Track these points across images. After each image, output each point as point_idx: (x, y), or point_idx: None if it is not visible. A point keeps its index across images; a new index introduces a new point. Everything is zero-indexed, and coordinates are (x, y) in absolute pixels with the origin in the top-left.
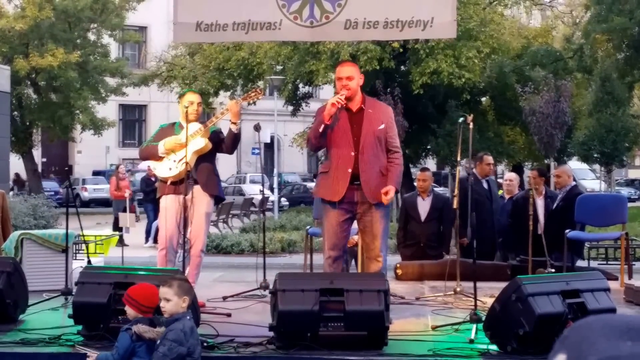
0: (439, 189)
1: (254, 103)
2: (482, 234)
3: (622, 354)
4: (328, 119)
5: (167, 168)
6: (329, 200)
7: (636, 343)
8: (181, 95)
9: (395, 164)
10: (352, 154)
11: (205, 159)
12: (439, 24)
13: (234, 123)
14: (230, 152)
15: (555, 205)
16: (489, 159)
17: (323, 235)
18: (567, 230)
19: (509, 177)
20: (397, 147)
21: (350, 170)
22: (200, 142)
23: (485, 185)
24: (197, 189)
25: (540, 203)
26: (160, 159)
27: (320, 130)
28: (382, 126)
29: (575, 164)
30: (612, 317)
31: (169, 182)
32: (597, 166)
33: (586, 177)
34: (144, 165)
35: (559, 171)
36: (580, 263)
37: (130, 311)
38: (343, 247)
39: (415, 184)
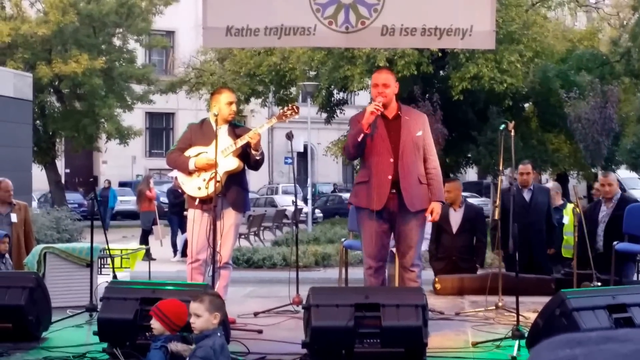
0: (480, 200)
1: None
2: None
3: (559, 357)
4: (367, 127)
5: (195, 187)
6: (368, 209)
7: (574, 349)
8: (215, 92)
9: (435, 174)
10: (391, 160)
11: (235, 174)
12: (478, 33)
13: (256, 150)
14: (255, 170)
15: (610, 216)
16: (524, 167)
17: (362, 246)
18: (615, 242)
19: (549, 187)
20: (435, 155)
21: (390, 178)
22: (233, 163)
23: (527, 194)
24: (225, 202)
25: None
26: (189, 173)
27: (360, 139)
28: (420, 133)
29: (623, 173)
30: (561, 335)
31: (197, 201)
32: None
33: (636, 186)
34: (172, 173)
35: (610, 179)
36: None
37: (157, 325)
38: (384, 258)
39: None
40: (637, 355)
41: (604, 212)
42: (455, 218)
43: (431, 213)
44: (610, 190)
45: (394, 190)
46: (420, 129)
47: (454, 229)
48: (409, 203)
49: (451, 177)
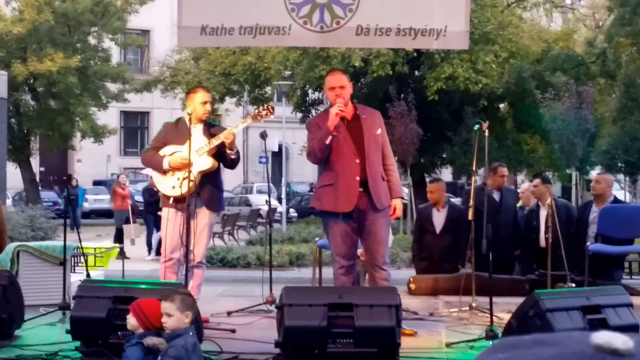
0: (455, 200)
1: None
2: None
3: None
4: (334, 129)
5: (170, 186)
6: (335, 213)
7: (505, 353)
8: (190, 92)
9: (393, 170)
10: (357, 161)
11: (210, 173)
12: (452, 33)
13: (231, 149)
14: (231, 169)
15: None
16: (504, 170)
17: (331, 247)
18: (588, 243)
19: (523, 187)
20: (391, 152)
21: (358, 179)
22: (207, 163)
23: (496, 196)
24: (199, 202)
25: (543, 214)
26: (163, 172)
27: (328, 142)
28: (379, 131)
29: None
30: (503, 339)
31: (171, 200)
32: (621, 176)
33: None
34: (146, 172)
35: (603, 178)
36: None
37: (132, 322)
38: (354, 256)
39: None
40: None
41: (595, 213)
42: (439, 218)
43: (394, 211)
44: (597, 188)
45: (361, 189)
46: (379, 127)
47: (437, 229)
48: (377, 201)
49: (433, 177)
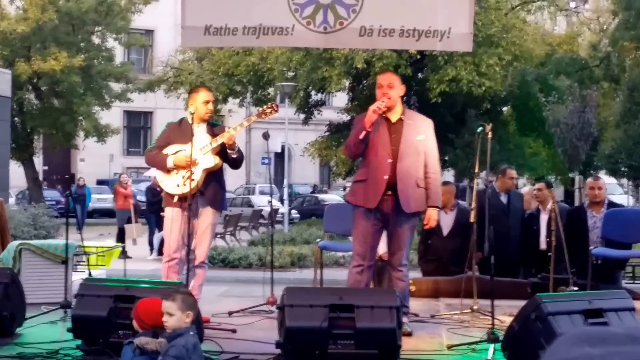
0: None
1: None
2: (497, 249)
3: (576, 356)
4: (369, 125)
5: (174, 184)
6: (364, 208)
7: (594, 347)
8: (192, 91)
9: (434, 179)
10: (389, 161)
11: (214, 172)
12: (456, 35)
13: (231, 149)
14: (235, 169)
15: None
16: (512, 172)
17: (353, 244)
18: (591, 247)
19: (524, 191)
20: (435, 160)
21: (386, 178)
22: (211, 161)
23: (504, 198)
24: (203, 201)
25: (544, 218)
26: (167, 171)
27: (361, 137)
28: (422, 137)
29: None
30: (583, 330)
31: (175, 199)
32: (624, 180)
33: (614, 192)
34: (150, 172)
35: (600, 183)
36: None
37: (135, 324)
38: (374, 258)
39: None
40: None
41: (595, 217)
42: (446, 221)
43: (428, 220)
44: (599, 194)
45: (390, 192)
46: (422, 133)
47: (445, 231)
48: (405, 204)
49: (444, 180)
